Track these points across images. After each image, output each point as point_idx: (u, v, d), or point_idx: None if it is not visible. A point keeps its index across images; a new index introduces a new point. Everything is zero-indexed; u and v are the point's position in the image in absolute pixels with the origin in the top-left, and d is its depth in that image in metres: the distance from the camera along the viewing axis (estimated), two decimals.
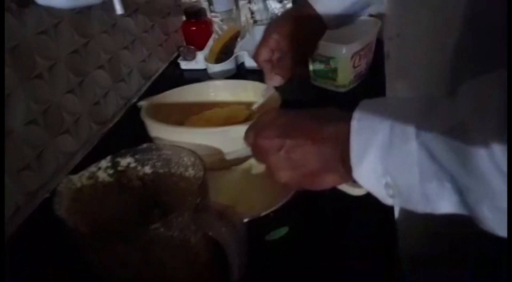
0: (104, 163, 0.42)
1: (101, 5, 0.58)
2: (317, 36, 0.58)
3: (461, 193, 0.25)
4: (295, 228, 0.47)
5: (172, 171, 0.44)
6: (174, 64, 0.93)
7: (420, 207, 0.28)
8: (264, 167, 0.55)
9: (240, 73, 0.87)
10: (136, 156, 0.44)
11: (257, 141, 0.37)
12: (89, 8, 0.65)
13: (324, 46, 0.71)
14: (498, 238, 0.26)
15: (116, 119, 0.73)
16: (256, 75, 0.86)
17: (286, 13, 0.58)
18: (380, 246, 0.44)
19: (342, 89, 0.74)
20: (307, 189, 0.36)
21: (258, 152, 0.38)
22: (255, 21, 0.91)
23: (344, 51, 0.69)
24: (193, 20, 0.93)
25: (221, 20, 0.92)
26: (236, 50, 0.88)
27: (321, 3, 0.54)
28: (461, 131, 0.24)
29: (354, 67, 0.72)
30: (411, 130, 0.26)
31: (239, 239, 0.34)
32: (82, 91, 0.64)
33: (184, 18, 0.94)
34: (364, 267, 0.42)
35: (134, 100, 0.80)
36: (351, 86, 0.75)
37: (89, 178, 0.41)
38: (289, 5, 0.93)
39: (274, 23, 0.57)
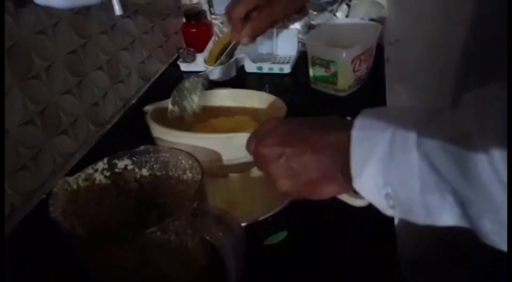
0: (101, 165, 0.42)
1: (100, 5, 0.58)
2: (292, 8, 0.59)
3: (462, 205, 0.25)
4: (294, 233, 0.47)
5: (170, 173, 0.44)
6: (174, 66, 0.92)
7: (421, 219, 0.27)
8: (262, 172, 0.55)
9: (240, 76, 0.87)
10: (134, 158, 0.43)
11: (258, 149, 0.37)
12: (88, 8, 0.65)
13: (324, 50, 0.71)
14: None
15: (114, 121, 0.73)
16: (256, 78, 0.86)
17: None
18: (380, 251, 0.44)
19: (342, 94, 0.74)
20: (307, 198, 0.36)
21: (259, 160, 0.38)
22: None
23: (344, 55, 0.69)
24: (193, 22, 0.93)
25: (221, 23, 0.92)
26: (236, 53, 0.87)
27: None
28: (462, 143, 0.24)
29: (354, 71, 0.72)
30: (412, 141, 0.26)
31: (236, 243, 0.34)
32: (80, 92, 0.64)
33: (184, 20, 0.94)
34: (363, 272, 0.42)
35: (133, 102, 0.79)
36: (351, 90, 0.74)
37: (86, 179, 0.40)
38: None
39: None
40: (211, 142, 0.47)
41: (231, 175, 0.55)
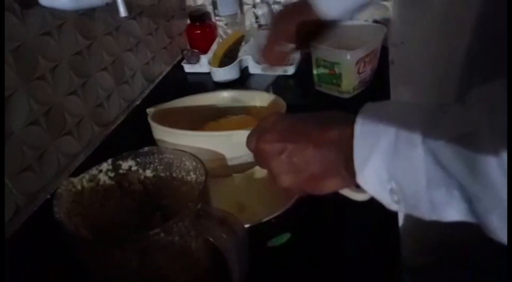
0: (105, 166, 0.42)
1: (105, 7, 0.58)
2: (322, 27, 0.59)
3: (470, 201, 0.25)
4: (297, 235, 0.46)
5: (174, 175, 0.44)
6: (178, 67, 0.93)
7: (427, 214, 0.27)
8: (265, 173, 0.54)
9: (244, 77, 0.87)
10: (138, 159, 0.43)
11: (259, 145, 0.36)
12: (93, 10, 0.65)
13: (329, 52, 0.71)
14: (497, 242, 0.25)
15: (118, 122, 0.73)
16: (260, 79, 0.86)
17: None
18: (383, 253, 0.44)
19: (346, 95, 0.74)
20: (309, 193, 0.36)
21: (259, 157, 0.37)
22: (259, 26, 0.91)
23: (348, 57, 0.69)
24: (198, 23, 0.93)
25: (226, 24, 0.92)
26: (240, 54, 0.87)
27: (324, 6, 0.55)
28: (470, 139, 0.23)
29: (359, 73, 0.71)
30: (417, 136, 0.26)
31: (240, 245, 0.34)
32: (84, 93, 0.64)
33: (188, 21, 0.94)
34: (366, 274, 0.42)
35: (137, 103, 0.80)
36: (355, 92, 0.74)
37: (90, 180, 0.41)
38: None
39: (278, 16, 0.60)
40: (211, 140, 0.47)
41: (235, 176, 0.55)
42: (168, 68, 0.92)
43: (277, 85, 0.83)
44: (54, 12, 0.56)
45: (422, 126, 0.26)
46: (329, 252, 0.45)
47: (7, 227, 0.50)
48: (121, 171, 0.43)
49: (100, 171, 0.42)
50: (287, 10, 0.62)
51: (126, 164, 0.43)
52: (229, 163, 0.48)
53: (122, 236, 0.34)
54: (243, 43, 0.90)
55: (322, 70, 0.74)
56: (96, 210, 0.41)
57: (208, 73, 0.87)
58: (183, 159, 0.42)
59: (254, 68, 0.87)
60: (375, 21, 0.87)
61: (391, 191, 0.28)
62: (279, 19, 0.63)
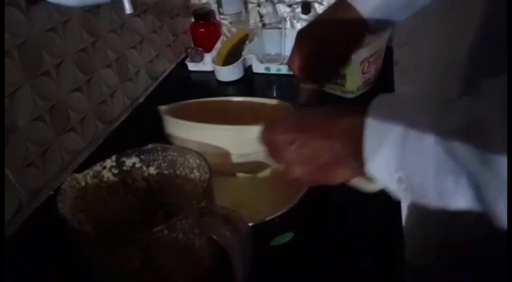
0: (109, 162, 0.42)
1: (110, 4, 0.58)
2: (355, 42, 0.54)
3: (477, 189, 0.25)
4: (300, 234, 0.46)
5: (177, 172, 0.44)
6: (182, 65, 0.93)
7: (434, 202, 0.28)
8: (269, 172, 0.54)
9: (247, 76, 0.87)
10: (142, 156, 0.43)
11: (270, 137, 0.37)
12: (98, 6, 0.65)
13: None
14: (497, 241, 0.26)
15: (122, 119, 0.73)
16: (263, 78, 0.86)
17: (324, 15, 0.53)
18: (386, 253, 0.44)
19: (350, 95, 0.73)
20: (320, 183, 0.36)
21: (271, 148, 0.38)
22: (263, 25, 0.91)
23: (353, 57, 0.68)
24: (202, 22, 0.93)
25: (230, 23, 0.92)
26: (244, 53, 0.87)
27: (365, 5, 0.49)
28: (481, 127, 0.24)
29: (363, 73, 0.71)
30: (428, 125, 0.26)
31: (244, 244, 0.33)
32: (89, 90, 0.64)
33: (192, 19, 0.94)
34: (368, 274, 0.42)
35: (141, 100, 0.80)
36: (359, 92, 0.74)
37: (94, 177, 0.41)
38: (298, 10, 0.93)
39: (309, 27, 0.53)
40: (224, 134, 0.47)
41: (239, 175, 0.54)
42: (171, 66, 0.92)
43: (281, 85, 0.83)
44: (59, 8, 0.56)
45: (434, 116, 0.27)
46: (332, 252, 0.45)
47: (10, 223, 0.51)
48: (125, 168, 0.43)
49: (104, 168, 0.41)
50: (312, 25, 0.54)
51: (130, 161, 0.43)
52: (238, 160, 0.48)
53: (126, 233, 0.34)
54: (247, 42, 0.90)
55: None
56: (99, 207, 0.41)
57: (212, 72, 0.87)
58: (187, 156, 0.42)
59: (258, 67, 0.87)
60: None
61: (399, 180, 0.28)
62: (302, 39, 0.54)
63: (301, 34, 0.53)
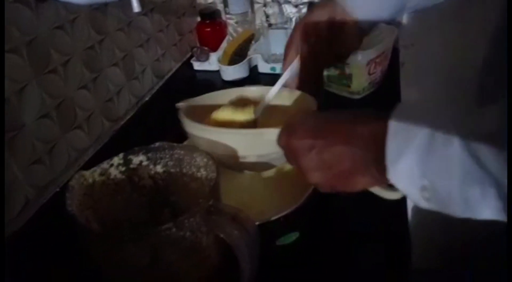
0: (116, 160, 0.42)
1: (118, 2, 0.58)
2: (353, 44, 0.53)
3: (506, 199, 0.24)
4: (306, 234, 0.46)
5: (184, 171, 0.44)
6: (187, 64, 0.93)
7: (459, 212, 0.27)
8: (274, 171, 0.54)
9: (253, 76, 0.87)
10: (149, 154, 0.43)
11: (289, 142, 0.37)
12: (105, 5, 0.65)
13: None
14: (497, 241, 0.25)
15: (127, 117, 0.73)
16: (269, 78, 0.86)
17: (318, 12, 0.51)
18: (391, 254, 0.44)
19: (356, 96, 0.73)
20: (339, 190, 0.35)
21: (289, 153, 0.37)
22: (269, 25, 0.91)
23: (360, 57, 0.68)
24: (208, 21, 0.93)
25: (236, 22, 0.92)
26: (249, 53, 0.87)
27: (360, 8, 0.49)
28: (508, 136, 0.23)
29: (369, 74, 0.71)
30: (454, 132, 0.26)
31: (251, 243, 0.33)
32: (95, 88, 0.64)
33: (198, 19, 0.95)
34: (374, 275, 0.42)
35: (146, 99, 0.80)
36: (365, 93, 0.74)
37: (101, 174, 0.41)
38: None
39: (305, 21, 0.52)
40: (242, 138, 0.47)
41: (244, 174, 0.54)
42: (177, 65, 0.93)
43: (286, 85, 0.83)
44: (67, 6, 0.56)
45: (460, 123, 0.26)
46: (337, 252, 0.45)
47: (17, 219, 0.51)
48: (132, 166, 0.43)
49: (111, 165, 0.42)
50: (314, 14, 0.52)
51: (137, 159, 0.43)
52: (250, 160, 0.48)
53: (134, 230, 0.34)
54: (253, 42, 0.90)
55: (332, 71, 0.73)
56: (106, 204, 0.41)
57: (217, 71, 0.87)
58: (194, 155, 0.42)
59: (263, 67, 0.87)
60: (387, 23, 0.87)
61: (423, 188, 0.28)
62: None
63: (296, 28, 0.52)
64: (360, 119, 0.33)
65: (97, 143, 0.65)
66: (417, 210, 0.62)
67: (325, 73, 0.76)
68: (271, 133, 0.41)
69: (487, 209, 0.26)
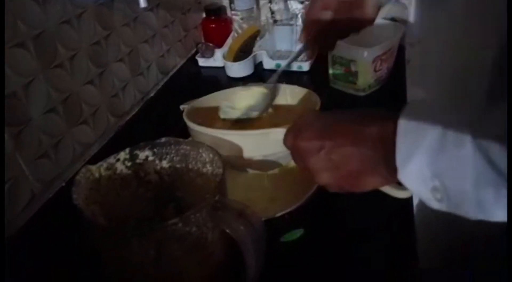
0: (122, 155, 0.42)
1: None
2: (370, 15, 0.55)
3: None
4: (311, 231, 0.46)
5: (190, 166, 0.44)
6: (192, 60, 0.93)
7: (472, 213, 0.26)
8: (277, 168, 0.54)
9: (258, 73, 0.87)
10: (155, 149, 0.43)
11: (296, 143, 0.36)
12: (112, 0, 0.65)
13: (345, 49, 0.71)
14: (497, 241, 0.25)
15: (133, 113, 0.74)
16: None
17: None
18: (396, 252, 0.43)
19: (361, 93, 0.73)
20: (348, 191, 0.35)
21: (297, 154, 0.37)
22: (275, 21, 0.91)
23: (365, 54, 0.68)
24: (213, 17, 0.93)
25: (241, 19, 0.92)
26: (255, 49, 0.87)
27: None
28: None
29: (375, 71, 0.71)
30: (466, 132, 0.25)
31: (257, 239, 0.33)
32: (101, 83, 0.64)
33: (204, 15, 0.94)
34: (378, 273, 0.42)
35: (152, 94, 0.80)
36: (371, 90, 0.74)
37: (108, 169, 0.41)
38: None
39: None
40: (248, 138, 0.47)
41: (248, 171, 0.54)
42: (182, 62, 0.93)
43: (292, 82, 0.83)
44: (74, 1, 0.56)
45: (472, 123, 0.25)
46: (342, 249, 0.45)
47: (23, 213, 0.51)
48: (138, 161, 0.43)
49: (118, 160, 0.42)
50: None
51: (143, 154, 0.43)
52: (256, 159, 0.47)
53: (141, 225, 0.34)
54: (258, 38, 0.90)
55: (338, 67, 0.73)
56: (112, 199, 0.41)
57: (222, 68, 0.87)
58: (200, 150, 0.42)
59: (268, 64, 0.87)
60: (393, 19, 0.86)
61: (434, 189, 0.27)
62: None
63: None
64: (368, 120, 0.33)
65: (102, 138, 0.65)
66: (421, 208, 0.61)
67: (331, 71, 0.75)
68: (277, 133, 0.41)
69: (501, 211, 0.25)
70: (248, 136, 0.47)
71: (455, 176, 0.26)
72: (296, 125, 0.38)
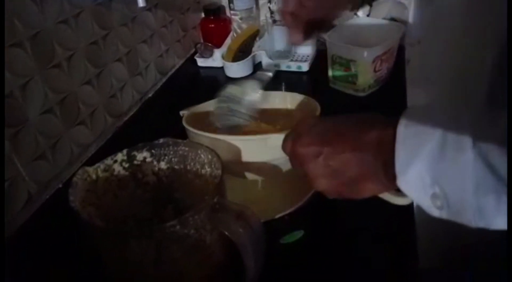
0: (120, 156, 0.42)
1: None
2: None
3: None
4: (311, 232, 0.46)
5: (188, 167, 0.43)
6: (191, 61, 0.92)
7: (472, 221, 0.26)
8: (278, 170, 0.54)
9: None
10: (153, 151, 0.43)
11: (295, 148, 0.36)
12: (110, 0, 0.65)
13: (345, 49, 0.70)
14: (497, 241, 0.24)
15: (131, 114, 0.73)
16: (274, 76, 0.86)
17: None
18: (397, 254, 0.43)
19: (361, 94, 0.73)
20: (346, 197, 0.35)
21: (295, 160, 0.36)
22: (274, 21, 0.90)
23: (365, 54, 0.68)
24: (212, 17, 0.92)
25: (240, 19, 0.91)
26: (254, 49, 0.87)
27: None
28: None
29: (375, 71, 0.70)
30: (467, 138, 0.25)
31: (256, 240, 0.33)
32: (99, 83, 0.64)
33: (203, 15, 0.94)
34: (379, 274, 0.41)
35: (150, 95, 0.79)
36: (371, 90, 0.73)
37: (105, 170, 0.40)
38: None
39: None
40: (246, 144, 0.46)
41: (247, 175, 0.54)
42: (181, 62, 0.92)
43: (291, 82, 0.82)
44: (71, 0, 0.55)
45: (473, 129, 0.25)
46: (342, 250, 0.44)
47: (19, 215, 0.50)
48: (135, 162, 0.43)
49: (115, 161, 0.41)
50: None
51: (141, 155, 0.43)
52: (262, 166, 0.47)
53: (139, 227, 0.34)
54: (257, 38, 0.90)
55: (337, 68, 0.73)
56: (109, 201, 0.41)
57: (221, 68, 0.87)
58: (199, 151, 0.42)
59: (267, 64, 0.86)
60: (393, 19, 0.86)
61: (434, 196, 0.27)
62: None
63: None
64: (367, 125, 0.32)
65: (100, 139, 0.65)
66: (421, 209, 0.61)
67: (330, 71, 0.75)
68: (275, 139, 0.41)
69: (502, 219, 0.25)
70: (247, 141, 0.47)
71: (455, 182, 0.26)
72: (294, 130, 0.38)
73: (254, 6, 0.92)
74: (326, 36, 0.76)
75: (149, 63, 0.79)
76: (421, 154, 0.27)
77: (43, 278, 0.43)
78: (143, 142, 0.43)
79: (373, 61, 0.69)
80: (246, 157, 0.46)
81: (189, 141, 0.44)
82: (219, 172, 0.39)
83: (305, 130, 0.36)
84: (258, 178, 0.55)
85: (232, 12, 0.91)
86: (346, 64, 0.71)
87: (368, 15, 0.89)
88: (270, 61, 0.85)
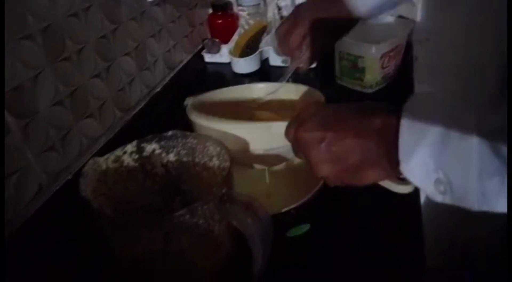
0: (130, 147, 0.42)
1: None
2: (346, 24, 0.57)
3: None
4: (317, 226, 0.46)
5: (196, 160, 0.44)
6: (198, 56, 0.93)
7: (476, 205, 0.26)
8: (284, 164, 0.54)
9: (264, 69, 0.87)
10: (162, 143, 0.43)
11: (298, 134, 0.36)
12: None
13: (353, 45, 0.70)
14: (497, 241, 0.25)
15: (139, 107, 0.74)
16: (280, 71, 0.86)
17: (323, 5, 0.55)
18: (403, 249, 0.43)
19: (368, 90, 0.73)
20: (348, 184, 0.35)
21: (298, 146, 0.36)
22: (282, 17, 0.90)
23: (373, 51, 0.68)
24: (220, 13, 0.93)
25: (248, 14, 0.91)
26: (261, 45, 0.87)
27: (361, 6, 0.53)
28: None
29: (383, 68, 0.70)
30: (471, 125, 0.25)
31: (264, 232, 0.33)
32: (108, 77, 0.64)
33: (210, 10, 0.94)
34: (385, 270, 0.41)
35: (158, 89, 0.80)
36: (378, 87, 0.73)
37: (115, 161, 0.41)
38: None
39: (302, 8, 0.55)
40: (250, 131, 0.46)
41: (255, 166, 0.54)
42: (188, 57, 0.92)
43: (298, 78, 0.82)
44: None
45: (477, 114, 0.25)
46: (348, 244, 0.44)
47: (30, 205, 0.51)
48: (144, 154, 0.43)
49: (125, 152, 0.42)
50: (312, 2, 0.58)
51: (150, 147, 0.43)
52: (259, 153, 0.47)
53: (149, 217, 0.34)
54: (264, 34, 0.90)
55: (345, 64, 0.73)
56: (119, 191, 0.41)
57: (228, 64, 0.87)
58: (207, 144, 0.42)
59: (275, 60, 0.86)
60: (401, 17, 0.86)
61: (437, 181, 0.27)
62: (301, 11, 0.57)
63: (299, 8, 0.55)
64: (371, 112, 0.32)
65: (109, 131, 0.66)
66: (428, 204, 0.61)
67: (338, 67, 0.75)
68: (279, 127, 0.40)
69: (504, 199, 0.25)
70: (250, 129, 0.47)
71: (459, 168, 0.26)
72: (298, 117, 0.38)
73: (262, 2, 0.92)
74: None
75: (157, 58, 0.79)
76: (425, 139, 0.27)
77: (53, 269, 0.44)
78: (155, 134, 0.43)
79: (381, 58, 0.69)
80: (251, 144, 0.47)
81: (197, 133, 0.44)
82: (227, 164, 0.39)
83: (308, 116, 0.36)
84: (264, 173, 0.55)
85: (239, 8, 0.92)
86: (354, 60, 0.71)
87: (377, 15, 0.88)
88: (277, 57, 0.85)
